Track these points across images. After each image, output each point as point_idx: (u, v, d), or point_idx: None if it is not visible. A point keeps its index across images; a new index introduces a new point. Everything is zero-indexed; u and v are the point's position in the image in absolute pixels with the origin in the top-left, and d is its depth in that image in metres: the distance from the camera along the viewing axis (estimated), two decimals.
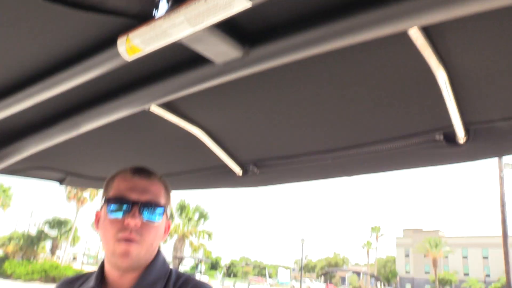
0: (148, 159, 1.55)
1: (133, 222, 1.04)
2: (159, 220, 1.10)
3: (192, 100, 1.10)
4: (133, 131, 1.32)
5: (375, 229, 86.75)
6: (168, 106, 1.11)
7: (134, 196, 1.08)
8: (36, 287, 20.48)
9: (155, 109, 1.09)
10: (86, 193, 36.56)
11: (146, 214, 1.07)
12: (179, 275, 1.16)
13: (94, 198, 36.93)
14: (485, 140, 1.05)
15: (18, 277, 30.28)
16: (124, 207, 1.06)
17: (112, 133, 1.35)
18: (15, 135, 1.29)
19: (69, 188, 35.72)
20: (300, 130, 1.22)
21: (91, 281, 1.14)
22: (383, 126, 1.12)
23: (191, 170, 1.56)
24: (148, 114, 1.14)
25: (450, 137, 1.04)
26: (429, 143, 1.09)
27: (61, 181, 1.74)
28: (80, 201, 36.64)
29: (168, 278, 1.14)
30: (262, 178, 1.48)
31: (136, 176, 1.11)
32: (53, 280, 31.19)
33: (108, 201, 1.10)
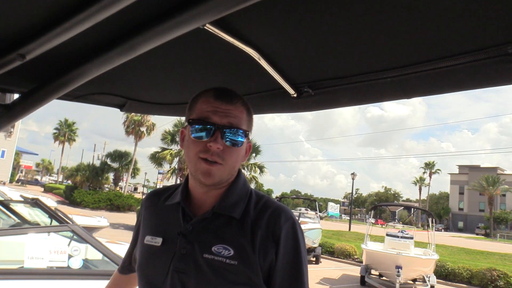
0: (203, 83, 1.57)
1: (215, 146, 1.08)
2: (240, 143, 1.14)
3: (247, 19, 1.07)
4: (190, 53, 1.32)
5: (429, 165, 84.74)
6: (222, 25, 1.09)
7: (216, 119, 1.11)
8: (103, 214, 22.27)
9: (211, 27, 1.08)
10: (143, 128, 38.15)
11: (228, 138, 1.11)
12: (259, 197, 1.21)
13: (151, 133, 38.52)
14: None
15: (86, 205, 33.07)
16: (207, 130, 1.10)
17: (169, 58, 1.36)
18: (76, 60, 1.34)
19: (127, 123, 37.43)
20: (356, 49, 1.16)
21: (177, 196, 1.22)
22: (446, 39, 1.03)
23: (246, 93, 1.56)
24: (203, 34, 1.13)
25: None
26: (500, 57, 1.01)
27: (121, 107, 1.81)
28: (138, 135, 38.39)
29: (249, 198, 1.19)
30: (317, 100, 1.45)
31: (218, 99, 1.14)
32: (117, 208, 33.86)
33: (191, 122, 1.14)
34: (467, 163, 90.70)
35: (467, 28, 0.97)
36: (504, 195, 77.23)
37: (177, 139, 26.87)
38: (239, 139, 1.13)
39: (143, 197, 1.40)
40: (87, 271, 3.64)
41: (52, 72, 1.43)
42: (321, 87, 1.39)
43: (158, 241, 1.19)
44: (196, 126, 1.12)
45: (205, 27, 1.07)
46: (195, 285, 1.10)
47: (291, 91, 1.42)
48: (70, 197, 35.99)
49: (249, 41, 1.18)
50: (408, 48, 1.11)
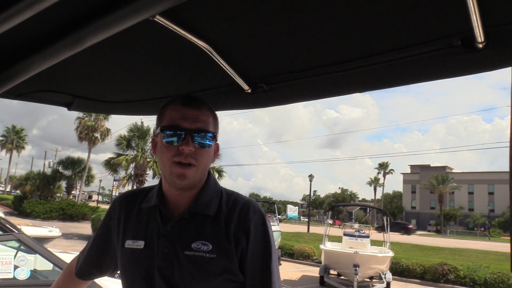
0: (155, 79, 1.52)
1: (187, 148, 1.18)
2: (209, 145, 1.23)
3: (198, 10, 1.05)
4: (140, 47, 1.27)
5: (382, 165, 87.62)
6: (173, 16, 1.06)
7: (186, 124, 1.20)
8: (55, 224, 21.38)
9: (161, 18, 1.04)
10: (97, 133, 36.99)
11: (198, 141, 1.20)
12: (229, 194, 1.32)
13: (106, 139, 37.43)
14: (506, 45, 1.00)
15: (37, 216, 31.57)
16: (177, 135, 1.20)
17: (118, 52, 1.31)
18: (17, 55, 1.26)
19: (80, 128, 36.16)
20: (310, 43, 1.16)
21: (152, 199, 1.30)
22: (395, 32, 1.05)
23: (199, 89, 1.52)
24: (153, 27, 1.09)
25: (469, 41, 0.99)
26: (447, 50, 1.03)
27: (68, 106, 1.72)
28: (92, 141, 37.17)
29: (221, 196, 1.30)
30: (272, 96, 1.44)
31: (186, 106, 1.23)
32: (70, 217, 32.55)
33: (163, 129, 1.23)
34: (418, 162, 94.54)
35: (415, 21, 1.00)
36: (452, 193, 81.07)
37: (133, 144, 26.36)
38: (207, 142, 1.23)
39: (113, 200, 1.42)
40: (35, 282, 3.45)
41: None
42: (276, 82, 1.38)
43: (140, 244, 1.26)
44: (168, 132, 1.21)
45: (155, 19, 1.03)
46: (179, 280, 1.19)
47: (245, 86, 1.40)
48: (19, 207, 34.20)
49: (201, 34, 1.15)
50: (359, 41, 1.12)
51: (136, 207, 1.34)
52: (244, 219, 1.24)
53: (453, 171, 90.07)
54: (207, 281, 1.19)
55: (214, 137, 1.26)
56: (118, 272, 1.51)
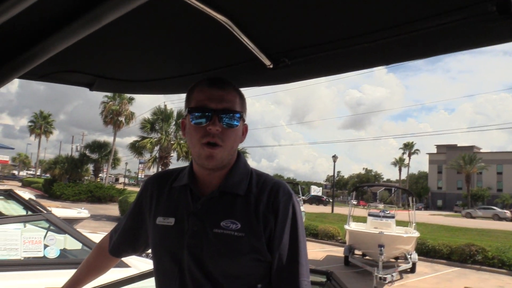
0: (175, 57, 1.50)
1: (214, 128, 1.21)
2: (237, 125, 1.26)
3: None
4: (159, 23, 1.25)
5: (408, 146, 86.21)
6: None
7: (212, 105, 1.23)
8: (84, 206, 22.01)
9: None
10: (122, 117, 37.57)
11: (225, 121, 1.23)
12: (260, 175, 1.34)
13: (130, 122, 37.98)
14: None
15: (66, 198, 32.59)
16: (205, 116, 1.22)
17: (138, 29, 1.29)
18: (37, 35, 1.25)
19: (105, 112, 36.78)
20: (334, 13, 1.10)
21: (184, 178, 1.34)
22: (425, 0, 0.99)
23: (220, 65, 1.49)
24: (173, 1, 1.06)
25: (505, 6, 0.92)
26: (480, 16, 0.96)
27: (90, 86, 1.72)
28: (116, 125, 37.80)
29: (251, 177, 1.32)
30: (294, 70, 1.39)
31: (212, 87, 1.25)
32: (98, 200, 33.46)
33: (190, 110, 1.26)
34: (444, 143, 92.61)
35: None
36: (480, 173, 79.36)
37: (157, 127, 26.65)
38: (235, 122, 1.25)
39: (146, 180, 1.47)
40: (64, 260, 3.55)
41: (10, 49, 1.34)
42: (298, 56, 1.33)
43: (171, 221, 1.29)
44: (195, 114, 1.24)
45: None
46: (208, 257, 1.21)
47: (266, 61, 1.36)
48: (49, 190, 35.33)
49: (221, 8, 1.11)
50: (385, 10, 1.06)
51: (168, 186, 1.38)
52: (274, 199, 1.26)
53: (481, 151, 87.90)
54: (234, 259, 1.21)
55: (241, 117, 1.28)
56: (147, 251, 1.55)
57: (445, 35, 1.07)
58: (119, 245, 1.52)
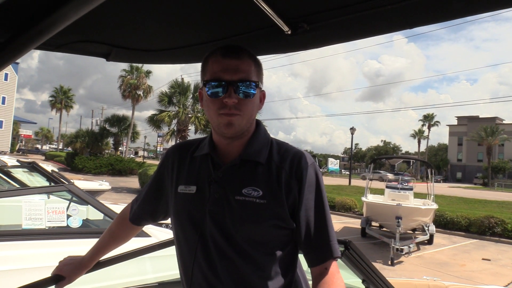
0: (192, 25, 1.47)
1: (231, 100, 1.20)
2: (253, 93, 1.25)
3: None
4: None
5: (427, 117, 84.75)
6: None
7: (227, 76, 1.22)
8: (105, 178, 22.52)
9: None
10: (140, 91, 37.77)
11: (242, 90, 1.22)
12: (280, 143, 1.35)
13: (148, 96, 38.17)
14: None
15: (88, 171, 33.37)
16: (221, 87, 1.22)
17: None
18: (52, 4, 1.24)
19: (123, 86, 37.02)
20: None
21: (205, 148, 1.35)
22: None
23: (236, 33, 1.46)
24: None
25: None
26: None
27: (107, 57, 1.71)
28: (135, 98, 38.06)
29: (271, 145, 1.33)
30: (314, 36, 1.35)
31: (226, 57, 1.24)
32: (119, 172, 34.16)
33: (205, 83, 1.25)
34: (465, 114, 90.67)
35: None
36: (502, 145, 77.73)
37: (174, 100, 26.71)
38: (251, 91, 1.24)
39: (167, 150, 1.50)
40: (86, 230, 3.66)
41: (25, 20, 1.33)
42: (318, 21, 1.28)
43: (192, 189, 1.31)
44: (211, 85, 1.23)
45: None
46: (230, 224, 1.23)
47: (285, 27, 1.32)
48: (71, 163, 36.18)
49: None
50: None
51: (189, 156, 1.39)
52: (297, 168, 1.27)
53: (504, 122, 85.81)
54: (256, 225, 1.22)
55: (258, 86, 1.27)
56: (165, 221, 1.58)
57: None
58: (139, 213, 1.55)
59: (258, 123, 1.36)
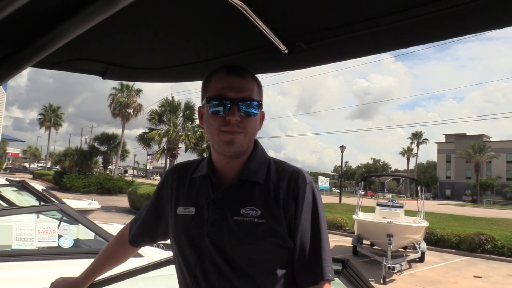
0: (189, 43, 1.48)
1: (234, 118, 1.21)
2: (255, 113, 1.26)
3: None
4: (172, 9, 1.22)
5: (416, 135, 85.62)
6: None
7: (231, 94, 1.22)
8: (94, 197, 22.22)
9: None
10: (130, 109, 37.67)
11: (243, 109, 1.23)
12: (278, 162, 1.35)
13: (138, 114, 38.09)
14: None
15: (77, 190, 32.89)
16: (224, 105, 1.22)
17: (150, 13, 1.27)
18: (50, 22, 1.24)
19: (113, 105, 36.91)
20: None
21: (203, 169, 1.35)
22: None
23: (234, 51, 1.47)
24: None
25: None
26: None
27: (103, 74, 1.71)
28: (125, 116, 37.92)
29: (269, 164, 1.33)
30: (310, 55, 1.37)
31: (230, 75, 1.25)
32: (108, 191, 33.74)
33: (208, 100, 1.25)
34: (453, 131, 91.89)
35: None
36: (490, 162, 78.62)
37: (165, 118, 26.68)
38: (253, 110, 1.25)
39: (166, 171, 1.50)
40: (78, 250, 3.58)
41: (22, 37, 1.33)
42: (315, 40, 1.30)
43: (191, 210, 1.31)
44: (214, 102, 1.23)
45: None
46: (229, 244, 1.22)
47: (282, 46, 1.33)
48: (59, 182, 35.68)
49: None
50: None
51: (188, 177, 1.39)
52: (294, 186, 1.27)
53: (491, 139, 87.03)
54: (255, 245, 1.21)
55: (259, 105, 1.28)
56: (160, 242, 1.56)
57: (469, 15, 1.04)
58: (138, 235, 1.54)
59: (256, 143, 1.36)
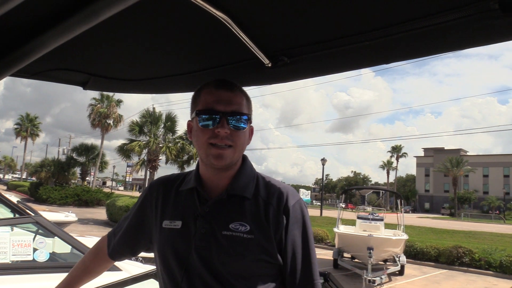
0: (173, 55, 1.48)
1: (223, 131, 1.20)
2: (244, 127, 1.26)
3: None
4: (157, 20, 1.23)
5: (396, 149, 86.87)
6: None
7: (221, 107, 1.22)
8: (71, 209, 21.75)
9: None
10: (110, 120, 37.22)
11: (233, 123, 1.23)
12: (265, 178, 1.35)
13: (118, 125, 37.65)
14: None
15: (53, 202, 32.05)
16: (213, 119, 1.22)
17: (134, 26, 1.26)
18: (31, 31, 1.22)
19: (93, 115, 36.40)
20: (333, 11, 1.09)
21: (191, 182, 1.33)
22: None
23: (218, 64, 1.47)
24: (172, 0, 1.04)
25: (508, 4, 0.92)
26: (483, 14, 0.96)
27: (84, 85, 1.69)
28: (104, 127, 37.43)
29: (257, 180, 1.33)
30: (293, 69, 1.38)
31: (220, 89, 1.25)
32: (86, 203, 33.03)
33: (198, 113, 1.25)
34: (432, 145, 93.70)
35: None
36: (467, 176, 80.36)
37: (145, 130, 26.44)
38: (242, 124, 1.25)
39: (151, 184, 1.46)
40: (54, 264, 3.48)
41: (3, 46, 1.31)
42: (298, 55, 1.32)
43: (177, 224, 1.28)
44: (203, 116, 1.23)
45: None
46: (217, 259, 1.21)
47: (265, 60, 1.35)
48: (35, 194, 34.80)
49: (220, 5, 1.10)
50: (385, 8, 1.05)
51: (174, 190, 1.37)
52: (285, 203, 1.27)
53: (468, 154, 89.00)
54: (244, 261, 1.20)
55: (249, 119, 1.28)
56: (139, 255, 1.52)
57: (448, 33, 1.07)
58: (119, 248, 1.50)
59: (244, 158, 1.36)
